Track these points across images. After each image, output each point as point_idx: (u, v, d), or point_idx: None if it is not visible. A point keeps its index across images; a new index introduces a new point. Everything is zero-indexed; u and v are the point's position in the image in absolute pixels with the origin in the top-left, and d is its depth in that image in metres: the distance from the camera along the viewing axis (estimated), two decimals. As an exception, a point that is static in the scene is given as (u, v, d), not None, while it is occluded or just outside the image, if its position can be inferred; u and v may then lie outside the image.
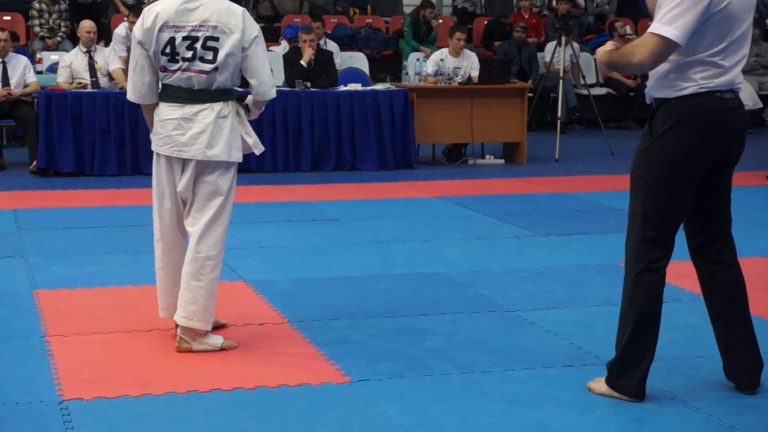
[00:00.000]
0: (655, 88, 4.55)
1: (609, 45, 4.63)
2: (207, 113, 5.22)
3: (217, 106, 5.23)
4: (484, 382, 4.88)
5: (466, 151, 13.12)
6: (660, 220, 4.51)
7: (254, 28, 5.20)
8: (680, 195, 4.51)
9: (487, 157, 12.89)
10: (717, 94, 4.45)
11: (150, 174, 10.71)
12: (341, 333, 5.63)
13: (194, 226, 5.27)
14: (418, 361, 5.16)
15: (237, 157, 5.26)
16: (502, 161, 12.84)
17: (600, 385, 4.75)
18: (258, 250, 7.67)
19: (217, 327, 5.60)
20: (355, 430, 4.31)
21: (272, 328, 5.74)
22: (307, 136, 11.83)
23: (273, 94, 5.31)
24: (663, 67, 4.47)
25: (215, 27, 5.14)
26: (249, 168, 11.43)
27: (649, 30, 4.40)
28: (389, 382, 4.88)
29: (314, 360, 5.19)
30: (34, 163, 11.23)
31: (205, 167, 5.25)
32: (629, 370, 4.61)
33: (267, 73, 5.26)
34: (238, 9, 5.20)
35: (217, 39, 5.15)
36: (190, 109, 5.22)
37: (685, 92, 4.45)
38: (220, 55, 5.17)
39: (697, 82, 4.44)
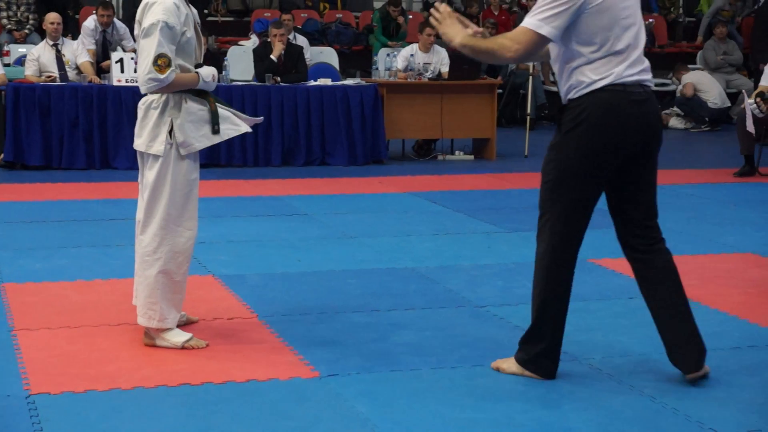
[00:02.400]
0: (564, 90, 4.65)
1: (470, 30, 4.76)
2: (141, 104, 5.24)
3: (150, 98, 5.19)
4: (453, 377, 4.88)
5: (436, 146, 13.13)
6: (567, 215, 4.65)
7: (148, 19, 5.05)
8: (587, 190, 4.64)
9: (457, 152, 12.92)
10: (620, 88, 4.53)
11: (117, 168, 10.70)
12: (310, 328, 5.62)
13: (137, 218, 5.31)
14: (388, 356, 5.16)
15: (157, 150, 5.13)
16: (471, 157, 12.86)
17: (510, 364, 4.90)
18: (227, 244, 7.64)
19: (189, 323, 5.58)
20: (324, 424, 4.30)
21: (241, 322, 5.72)
22: (277, 131, 11.81)
23: (144, 88, 5.11)
24: (567, 68, 4.59)
25: (139, 19, 5.16)
26: (218, 162, 11.41)
27: (526, 26, 4.53)
28: (358, 376, 4.88)
29: (283, 355, 5.18)
30: (1, 156, 11.16)
31: (141, 158, 5.26)
32: (537, 349, 4.81)
33: (142, 65, 5.05)
34: (146, 0, 5.13)
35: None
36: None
37: (589, 89, 4.55)
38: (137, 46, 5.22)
39: (598, 78, 4.53)
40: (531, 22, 4.51)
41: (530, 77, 13.71)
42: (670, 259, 4.79)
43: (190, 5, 5.23)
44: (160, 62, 5.00)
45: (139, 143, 5.21)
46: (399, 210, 9.25)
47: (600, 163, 4.58)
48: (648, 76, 4.63)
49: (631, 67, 4.56)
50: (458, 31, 4.72)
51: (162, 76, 5.01)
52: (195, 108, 5.21)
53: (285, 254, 7.39)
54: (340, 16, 17.35)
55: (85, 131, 11.25)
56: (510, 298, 6.27)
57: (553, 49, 4.70)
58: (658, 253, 4.78)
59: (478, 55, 4.76)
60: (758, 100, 9.53)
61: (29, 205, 9.14)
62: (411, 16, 17.74)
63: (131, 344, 5.30)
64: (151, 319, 5.23)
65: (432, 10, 4.87)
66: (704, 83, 16.23)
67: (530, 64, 13.88)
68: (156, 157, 5.15)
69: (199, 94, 5.23)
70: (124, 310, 5.75)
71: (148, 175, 5.19)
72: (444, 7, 4.81)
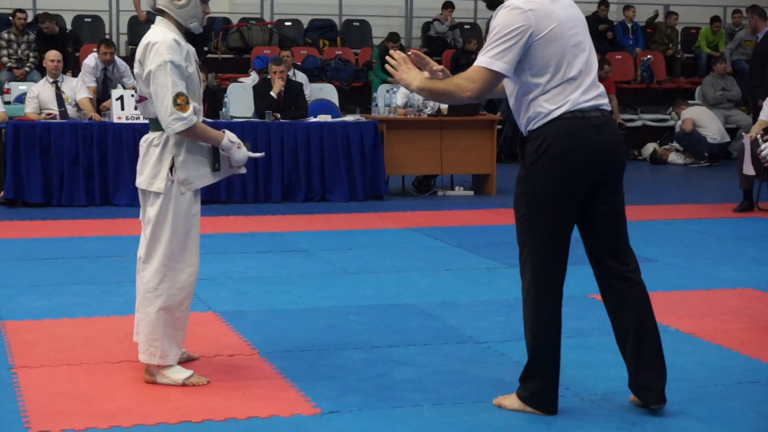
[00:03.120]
0: (524, 123, 4.68)
1: (426, 72, 4.89)
2: (143, 141, 5.27)
3: (151, 135, 5.21)
4: (454, 414, 4.87)
5: (436, 182, 13.15)
6: (545, 247, 4.67)
7: (154, 61, 5.05)
8: (560, 219, 4.64)
9: (457, 188, 12.93)
10: (579, 114, 4.55)
11: (118, 205, 10.71)
12: (312, 364, 5.61)
13: (139, 255, 5.31)
14: (389, 393, 5.14)
15: (158, 187, 5.13)
16: (471, 193, 12.87)
17: (511, 400, 4.90)
18: (228, 281, 7.64)
19: (190, 360, 5.57)
20: (326, 462, 4.29)
21: (242, 359, 5.71)
22: (277, 167, 11.83)
23: (174, 128, 5.06)
24: (524, 101, 4.62)
25: (140, 59, 5.17)
26: (218, 199, 11.42)
27: (479, 64, 4.58)
28: (359, 413, 4.86)
29: (284, 391, 5.17)
30: (1, 193, 11.18)
31: (143, 195, 5.27)
32: (536, 385, 4.80)
33: (162, 108, 5.05)
34: (146, 40, 5.14)
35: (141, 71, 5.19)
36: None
37: (548, 118, 4.57)
38: (138, 86, 5.26)
39: (555, 107, 4.56)
40: (483, 60, 4.56)
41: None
42: (642, 290, 4.79)
43: (188, 42, 5.26)
44: (180, 101, 5.02)
45: (141, 180, 5.23)
46: (399, 246, 9.25)
47: (568, 191, 4.60)
48: (604, 100, 4.66)
49: (586, 92, 4.59)
50: (414, 76, 4.79)
51: (185, 114, 5.02)
52: (195, 146, 5.21)
53: (286, 290, 7.38)
54: (340, 53, 17.42)
55: (85, 168, 11.27)
56: (511, 333, 6.25)
57: (507, 84, 4.72)
58: (633, 283, 4.78)
59: (436, 97, 4.83)
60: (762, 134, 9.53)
61: (29, 242, 9.14)
62: (410, 53, 17.75)
63: (132, 381, 5.28)
64: (153, 356, 5.22)
65: (387, 57, 4.91)
66: (703, 119, 16.27)
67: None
68: (157, 194, 5.16)
69: None
70: (124, 348, 5.74)
71: (150, 211, 5.19)
72: (398, 54, 4.88)
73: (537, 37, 4.52)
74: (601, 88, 4.68)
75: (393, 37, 16.56)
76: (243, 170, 5.38)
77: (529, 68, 4.57)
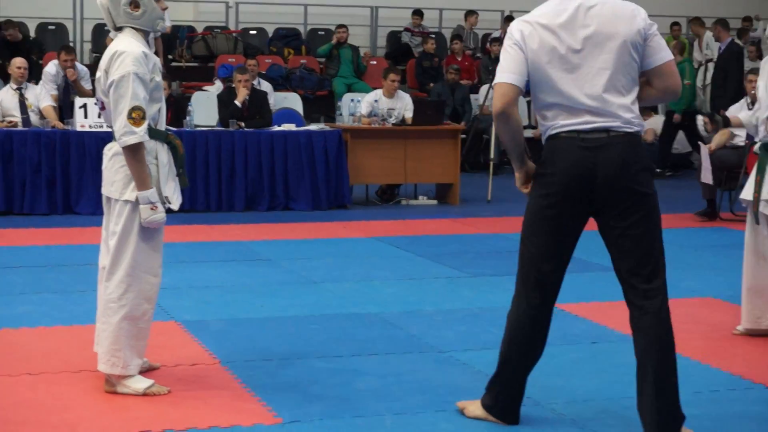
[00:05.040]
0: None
1: None
2: (107, 150, 5.24)
3: (116, 144, 5.14)
4: (416, 423, 4.87)
5: (400, 191, 13.16)
6: (528, 258, 4.66)
7: (118, 71, 5.02)
8: (546, 235, 4.60)
9: (420, 197, 12.96)
10: (573, 135, 4.48)
11: (80, 213, 10.64)
12: (273, 374, 5.61)
13: (101, 265, 5.29)
14: (351, 402, 5.15)
15: (130, 196, 5.09)
16: (435, 202, 12.90)
17: (474, 407, 4.92)
18: (190, 290, 7.62)
19: (151, 369, 5.54)
20: (287, 471, 4.29)
21: (204, 368, 5.70)
22: (241, 176, 11.80)
23: (124, 140, 5.00)
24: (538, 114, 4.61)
25: (105, 69, 5.14)
26: (182, 208, 11.34)
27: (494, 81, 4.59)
28: (321, 423, 4.86)
29: (246, 401, 5.16)
30: (-38, 201, 11.09)
31: (107, 204, 5.24)
32: (500, 394, 4.83)
33: (119, 118, 5.03)
34: (113, 50, 5.10)
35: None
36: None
37: (546, 136, 4.59)
38: (98, 94, 5.25)
39: (550, 125, 4.55)
40: (495, 77, 4.57)
41: (493, 122, 13.74)
42: (656, 323, 4.61)
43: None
44: (135, 115, 4.99)
45: (111, 190, 5.17)
46: (362, 255, 9.26)
47: (554, 210, 4.56)
48: (603, 121, 4.47)
49: (583, 114, 4.49)
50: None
51: (137, 129, 4.99)
52: (165, 159, 5.22)
53: (248, 300, 7.37)
54: (304, 61, 17.41)
55: (47, 176, 11.21)
56: (473, 343, 6.27)
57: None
58: (645, 312, 4.60)
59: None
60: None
61: (-10, 251, 9.08)
62: (375, 62, 17.84)
63: (92, 391, 5.26)
64: (115, 366, 5.19)
65: None
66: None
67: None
68: (125, 203, 5.12)
69: (164, 137, 5.23)
70: (85, 357, 5.71)
71: (117, 221, 5.16)
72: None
73: (528, 49, 4.52)
74: (596, 103, 4.48)
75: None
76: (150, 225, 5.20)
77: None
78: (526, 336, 4.74)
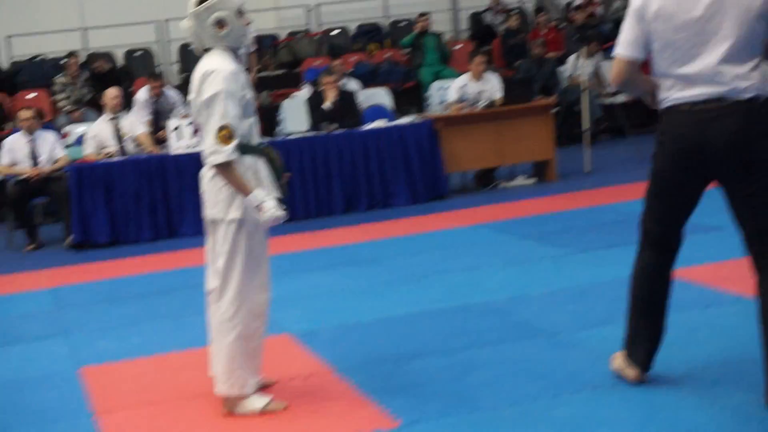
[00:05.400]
0: None
1: None
2: (205, 171, 5.22)
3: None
4: (533, 412, 4.86)
5: (497, 174, 13.08)
6: (648, 216, 4.88)
7: (210, 89, 5.02)
8: (663, 197, 4.77)
9: (518, 178, 12.88)
10: (685, 107, 4.52)
11: (185, 235, 10.75)
12: (389, 376, 5.62)
13: (209, 287, 5.31)
14: (467, 397, 5.14)
15: (234, 215, 5.11)
16: (533, 180, 12.81)
17: (615, 358, 5.16)
18: (299, 299, 7.67)
19: (267, 386, 5.59)
20: (409, 475, 4.29)
21: (319, 379, 5.73)
22: (337, 179, 11.84)
23: (211, 159, 5.02)
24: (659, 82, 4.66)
25: (196, 87, 5.16)
26: (282, 217, 11.43)
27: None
28: (440, 421, 4.87)
29: (364, 407, 5.18)
30: (70, 237, 11.29)
31: (212, 226, 5.25)
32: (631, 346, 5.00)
33: (208, 137, 5.03)
34: (204, 68, 5.11)
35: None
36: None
37: (662, 106, 4.65)
38: (193, 115, 5.25)
39: (666, 96, 4.61)
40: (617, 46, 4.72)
41: (583, 92, 13.60)
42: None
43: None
44: (222, 134, 4.98)
45: (215, 211, 5.17)
46: (466, 244, 9.23)
47: (670, 177, 4.72)
48: (717, 89, 4.48)
49: (696, 86, 4.53)
50: None
51: (225, 148, 4.97)
52: (265, 173, 5.21)
53: (356, 303, 7.40)
54: (389, 55, 17.41)
55: (149, 203, 11.36)
56: (585, 322, 6.21)
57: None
58: (764, 271, 4.60)
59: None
60: None
61: (100, 284, 9.21)
62: (460, 45, 17.76)
63: (213, 415, 5.32)
64: (233, 387, 5.24)
65: None
66: None
67: (584, 79, 13.76)
68: (232, 222, 5.14)
69: (253, 150, 5.20)
70: (203, 381, 5.77)
71: (224, 241, 5.17)
72: None
73: (647, 16, 4.61)
74: (710, 75, 4.49)
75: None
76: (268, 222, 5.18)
77: None
78: (648, 289, 4.92)
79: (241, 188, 5.06)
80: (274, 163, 5.30)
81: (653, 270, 4.89)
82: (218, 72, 5.05)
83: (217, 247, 5.24)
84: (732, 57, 4.44)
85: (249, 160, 5.16)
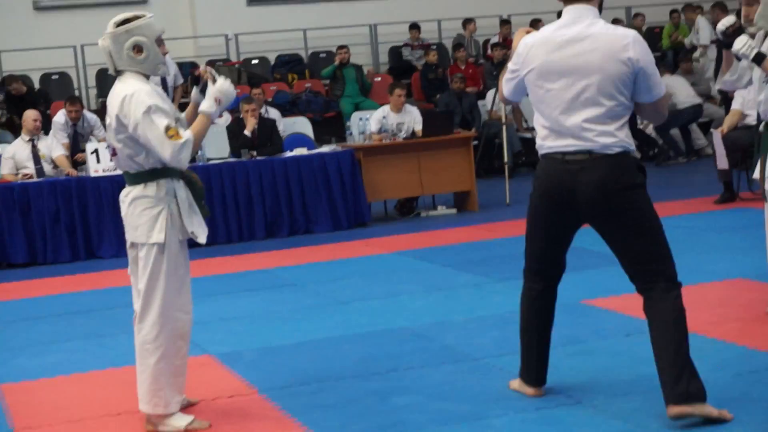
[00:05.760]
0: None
1: None
2: (123, 196, 5.27)
3: (131, 190, 5.22)
4: (459, 433, 4.88)
5: (418, 204, 13.14)
6: (528, 251, 5.19)
7: (138, 110, 5.02)
8: (538, 235, 5.08)
9: (439, 207, 12.94)
10: (557, 156, 4.82)
11: (103, 257, 10.67)
12: (312, 398, 5.60)
13: (135, 309, 5.28)
14: (392, 419, 5.14)
15: (157, 238, 5.13)
16: (454, 210, 12.88)
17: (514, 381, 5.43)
18: (220, 322, 7.63)
19: (189, 405, 5.55)
20: (336, 493, 4.28)
21: (242, 399, 5.69)
22: (259, 205, 11.81)
23: (182, 163, 5.08)
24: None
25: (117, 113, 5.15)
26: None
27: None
28: (365, 442, 4.87)
29: (287, 428, 5.16)
30: (-15, 258, 11.13)
31: (133, 249, 5.26)
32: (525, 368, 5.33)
33: (162, 148, 5.01)
34: (122, 94, 5.10)
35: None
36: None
37: (539, 153, 4.95)
38: (109, 138, 5.27)
39: (541, 144, 4.92)
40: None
41: (504, 126, 13.75)
42: (659, 312, 4.82)
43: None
44: (171, 133, 4.99)
45: (136, 235, 5.18)
46: (387, 271, 9.25)
47: (541, 216, 5.01)
48: (587, 144, 4.77)
49: (565, 138, 4.81)
50: None
51: (181, 141, 5.00)
52: (184, 195, 5.23)
53: (278, 326, 7.38)
54: (309, 85, 17.44)
55: (67, 224, 11.23)
56: (507, 347, 6.24)
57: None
58: (651, 301, 4.87)
59: None
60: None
61: (18, 303, 9.09)
62: (379, 78, 17.86)
63: (134, 432, 5.27)
64: (157, 406, 5.21)
65: None
66: (672, 85, 15.90)
67: (503, 114, 13.92)
68: (152, 246, 5.15)
69: (173, 173, 5.21)
70: (123, 399, 5.73)
71: (145, 264, 5.17)
72: None
73: (523, 73, 4.96)
74: (580, 129, 4.78)
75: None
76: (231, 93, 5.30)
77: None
78: (533, 314, 5.25)
79: (205, 128, 5.20)
80: (194, 184, 5.33)
81: (536, 297, 5.22)
82: (139, 92, 5.07)
83: (139, 270, 5.22)
84: (597, 118, 4.75)
85: (169, 184, 5.18)
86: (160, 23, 5.32)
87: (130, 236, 5.23)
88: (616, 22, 18.88)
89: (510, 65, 5.02)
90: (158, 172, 5.15)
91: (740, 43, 6.00)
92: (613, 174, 4.74)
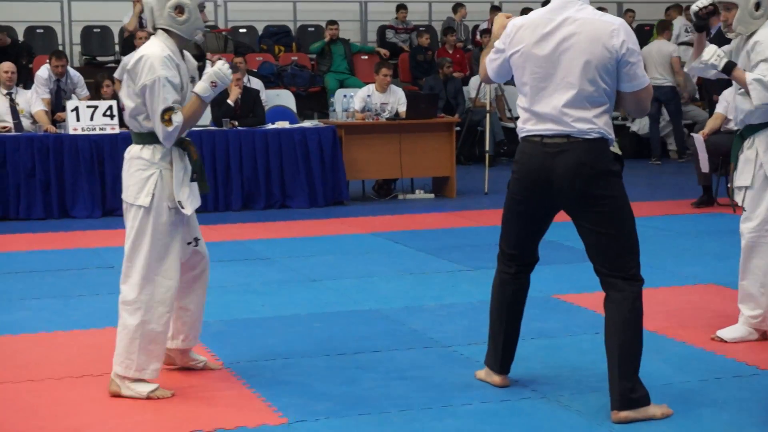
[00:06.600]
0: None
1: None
2: (126, 154, 5.33)
3: (134, 148, 5.28)
4: (422, 419, 4.86)
5: (396, 186, 13.11)
6: (503, 237, 5.21)
7: (147, 76, 5.10)
8: (514, 221, 5.10)
9: (417, 191, 12.91)
10: (536, 139, 4.86)
11: (76, 217, 10.63)
12: (277, 373, 5.58)
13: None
14: (356, 400, 5.12)
15: (143, 201, 5.16)
16: (432, 195, 12.85)
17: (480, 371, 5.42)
18: (189, 291, 7.57)
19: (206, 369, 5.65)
20: (295, 472, 4.26)
21: (207, 370, 5.66)
22: (236, 175, 11.76)
23: (168, 143, 5.17)
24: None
25: (129, 69, 5.21)
26: (178, 208, 11.31)
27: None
28: (327, 422, 4.84)
29: (250, 401, 5.14)
30: (-43, 208, 11.04)
31: (126, 207, 5.28)
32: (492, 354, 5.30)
33: (156, 123, 5.14)
34: (140, 53, 5.17)
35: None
36: None
37: (519, 136, 4.98)
38: (121, 97, 5.36)
39: (521, 127, 4.96)
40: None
41: (488, 114, 13.72)
42: (614, 310, 4.87)
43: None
44: (167, 116, 5.08)
45: (127, 194, 5.24)
46: (361, 251, 9.22)
47: (519, 200, 5.02)
48: (568, 127, 4.80)
49: (546, 121, 4.85)
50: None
51: (170, 128, 5.09)
52: (180, 165, 5.24)
53: (248, 299, 7.34)
54: (296, 58, 17.34)
55: (42, 181, 11.15)
56: (476, 337, 6.22)
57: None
58: (608, 300, 4.92)
59: None
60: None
61: (-13, 257, 9.04)
62: (366, 57, 17.79)
63: (96, 396, 5.23)
64: (128, 369, 5.19)
65: None
66: (648, 60, 15.76)
67: (487, 101, 13.90)
68: (140, 207, 5.17)
69: (180, 143, 5.25)
70: (87, 362, 5.69)
71: (131, 225, 5.21)
72: None
73: (509, 53, 4.96)
74: (560, 113, 4.82)
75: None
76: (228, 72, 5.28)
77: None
78: (504, 298, 5.24)
79: (199, 110, 5.23)
80: (192, 156, 5.34)
81: (508, 281, 5.22)
82: (156, 58, 5.12)
83: (126, 230, 5.26)
84: (576, 102, 4.79)
85: (165, 149, 5.21)
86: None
87: (123, 194, 5.28)
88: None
89: (497, 44, 5.03)
90: (156, 137, 5.19)
91: (708, 54, 5.99)
92: (588, 158, 4.78)
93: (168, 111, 5.08)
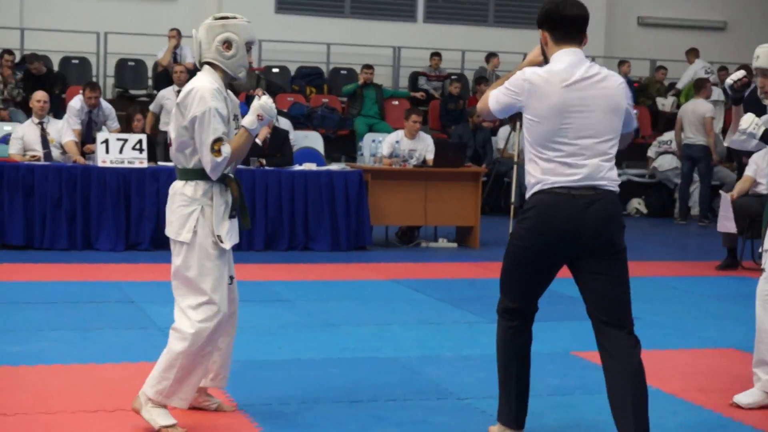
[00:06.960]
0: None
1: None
2: (170, 189, 5.39)
3: (177, 184, 5.35)
4: (434, 473, 4.83)
5: (419, 233, 13.10)
6: (508, 289, 5.10)
7: (198, 107, 5.17)
8: (527, 272, 5.01)
9: (440, 240, 12.90)
10: (562, 191, 4.81)
11: (99, 249, 10.67)
12: (291, 418, 5.56)
13: None
14: (368, 450, 5.10)
15: (185, 237, 5.23)
16: (455, 245, 12.83)
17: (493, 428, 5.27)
18: (208, 330, 7.56)
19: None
20: None
21: (222, 413, 5.64)
22: (261, 215, 11.78)
23: (214, 175, 5.22)
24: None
25: (180, 102, 5.28)
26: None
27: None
28: (338, 470, 4.82)
29: (262, 446, 5.12)
30: (-18, 234, 11.09)
31: (171, 243, 5.35)
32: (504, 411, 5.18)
33: (204, 154, 5.20)
34: (190, 86, 5.25)
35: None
36: None
37: (535, 189, 4.90)
38: (171, 130, 5.37)
39: (543, 179, 4.86)
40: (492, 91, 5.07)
41: (515, 165, 13.72)
42: (624, 369, 4.83)
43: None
44: (216, 147, 5.15)
45: (169, 230, 5.31)
46: (382, 298, 9.21)
47: (533, 251, 4.94)
48: (593, 180, 4.82)
49: (575, 173, 4.83)
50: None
51: (219, 159, 5.16)
52: (221, 201, 5.30)
53: (266, 341, 7.33)
54: (326, 100, 17.43)
55: (68, 211, 11.20)
56: (492, 390, 6.12)
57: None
58: (611, 357, 4.88)
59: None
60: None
61: (8, 285, 9.06)
62: (397, 102, 17.85)
63: (109, 431, 5.23)
64: (158, 392, 5.22)
65: None
66: (684, 119, 15.94)
67: (515, 153, 13.90)
68: (182, 244, 5.24)
69: (222, 178, 5.29)
70: (102, 396, 5.69)
71: (175, 260, 5.28)
72: None
73: (528, 112, 4.89)
74: (587, 166, 4.83)
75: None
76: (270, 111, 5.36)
77: None
78: (513, 353, 5.11)
79: (246, 142, 5.30)
80: (233, 193, 5.38)
81: (514, 335, 5.11)
82: (206, 90, 5.20)
83: (172, 265, 5.32)
84: (604, 151, 4.84)
85: (207, 185, 5.28)
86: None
87: (167, 230, 5.36)
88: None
89: (510, 84, 4.92)
90: (199, 173, 5.26)
91: (747, 123, 5.98)
92: (616, 209, 4.87)
93: (218, 141, 5.14)
